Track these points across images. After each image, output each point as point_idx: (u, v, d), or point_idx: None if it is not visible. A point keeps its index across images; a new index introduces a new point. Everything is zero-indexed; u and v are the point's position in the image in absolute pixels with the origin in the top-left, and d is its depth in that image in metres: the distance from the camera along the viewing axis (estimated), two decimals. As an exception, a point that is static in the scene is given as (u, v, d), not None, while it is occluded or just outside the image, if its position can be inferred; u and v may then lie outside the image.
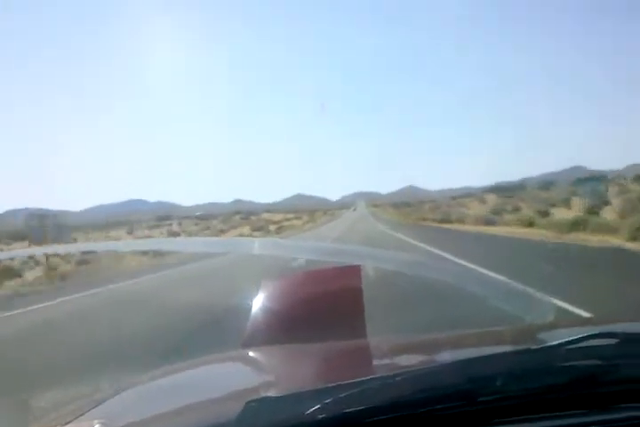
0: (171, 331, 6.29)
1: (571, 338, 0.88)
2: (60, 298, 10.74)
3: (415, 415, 0.81)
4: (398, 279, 6.39)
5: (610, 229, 17.14)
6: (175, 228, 64.23)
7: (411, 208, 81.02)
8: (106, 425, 0.91)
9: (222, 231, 55.17)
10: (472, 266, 9.11)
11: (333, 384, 0.82)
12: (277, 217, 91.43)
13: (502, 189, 68.87)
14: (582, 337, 0.88)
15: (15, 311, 9.26)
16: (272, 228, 58.49)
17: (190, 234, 46.94)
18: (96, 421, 0.93)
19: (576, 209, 28.53)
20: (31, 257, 18.29)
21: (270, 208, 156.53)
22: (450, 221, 38.83)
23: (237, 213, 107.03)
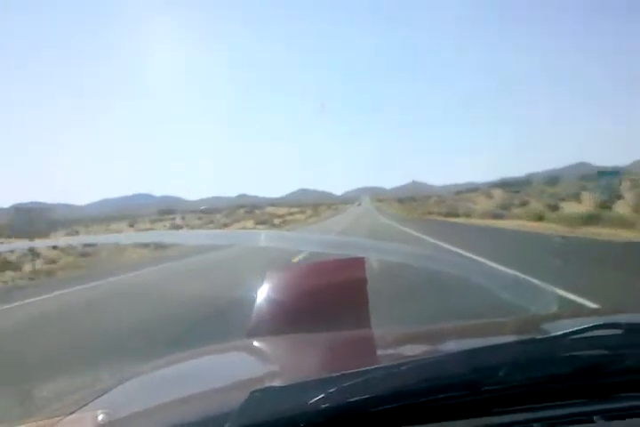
0: (172, 323, 6.11)
1: (575, 328, 0.88)
2: (58, 291, 10.63)
3: (419, 405, 0.81)
4: (404, 271, 6.39)
5: (625, 223, 17.08)
6: (178, 221, 64.15)
7: (416, 203, 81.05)
8: (109, 415, 0.91)
9: (226, 225, 55.22)
10: (481, 259, 9.09)
11: (337, 374, 0.82)
12: (281, 211, 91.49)
13: (508, 185, 68.31)
14: (586, 327, 0.88)
15: (13, 304, 9.23)
16: (276, 221, 58.59)
17: (193, 227, 46.90)
18: (100, 411, 0.94)
19: (587, 203, 28.42)
20: (31, 250, 18.31)
21: (275, 202, 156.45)
22: (456, 215, 38.80)
23: (241, 206, 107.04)
